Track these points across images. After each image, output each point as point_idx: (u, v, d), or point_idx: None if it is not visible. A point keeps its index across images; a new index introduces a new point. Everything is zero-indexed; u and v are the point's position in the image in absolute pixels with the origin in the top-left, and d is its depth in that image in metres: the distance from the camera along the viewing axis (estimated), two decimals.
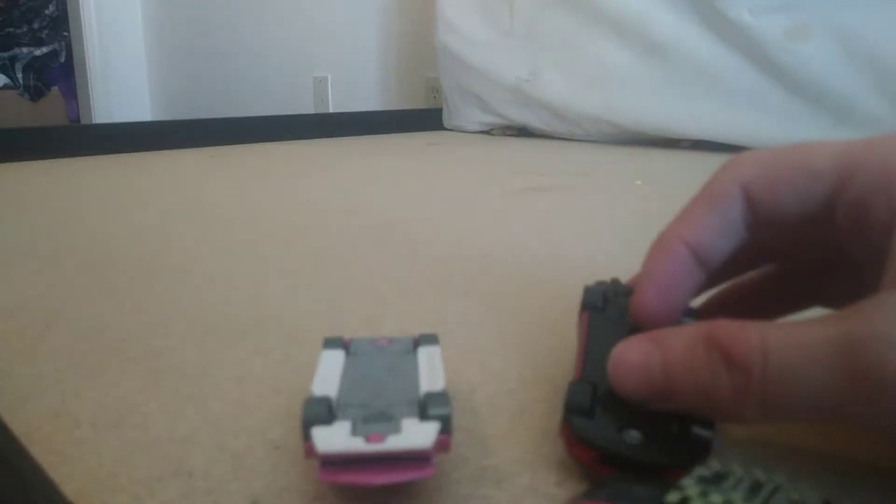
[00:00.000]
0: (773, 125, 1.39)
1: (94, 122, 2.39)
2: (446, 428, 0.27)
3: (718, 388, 0.23)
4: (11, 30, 3.32)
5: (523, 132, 2.00)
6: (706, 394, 0.24)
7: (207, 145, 1.72)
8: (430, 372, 0.31)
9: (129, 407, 0.35)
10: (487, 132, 2.09)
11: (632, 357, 0.26)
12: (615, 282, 0.38)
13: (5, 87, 3.50)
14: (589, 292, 0.36)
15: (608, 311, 0.35)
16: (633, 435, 0.26)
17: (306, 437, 0.26)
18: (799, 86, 1.38)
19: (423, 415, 0.27)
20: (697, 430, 0.26)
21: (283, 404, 0.35)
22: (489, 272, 0.58)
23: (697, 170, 1.22)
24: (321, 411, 0.27)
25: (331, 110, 2.59)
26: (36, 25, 3.35)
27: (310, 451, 0.26)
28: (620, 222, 0.79)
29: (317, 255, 0.65)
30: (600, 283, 0.38)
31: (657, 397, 0.26)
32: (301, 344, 0.43)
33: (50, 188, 1.11)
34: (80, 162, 1.46)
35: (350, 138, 1.96)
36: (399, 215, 0.83)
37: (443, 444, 0.26)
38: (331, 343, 0.34)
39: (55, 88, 3.62)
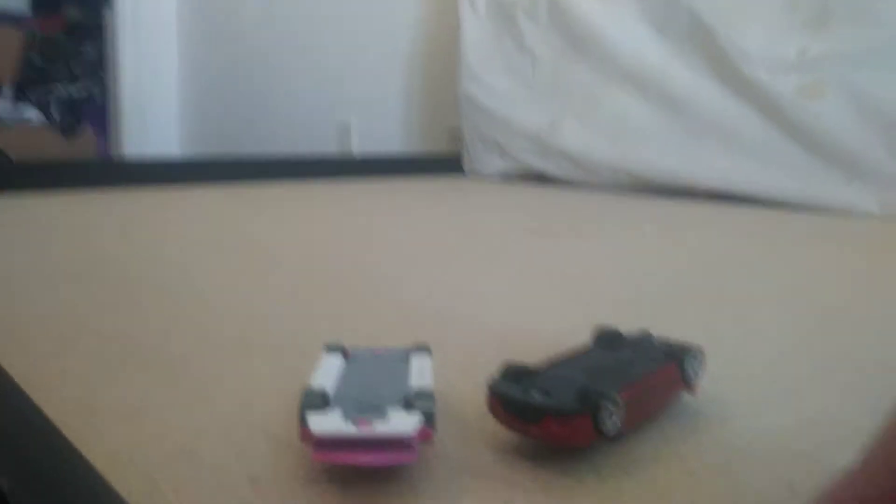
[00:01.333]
0: (787, 179, 1.42)
1: (123, 156, 2.47)
2: (429, 420, 0.29)
3: None
4: (48, 67, 3.46)
5: (542, 179, 2.04)
6: None
7: (233, 181, 1.78)
8: (420, 375, 0.34)
9: (145, 403, 0.38)
10: (507, 179, 2.13)
11: None
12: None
13: (40, 123, 3.63)
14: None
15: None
16: (536, 394, 0.31)
17: (302, 422, 0.29)
18: (812, 142, 1.41)
19: (409, 408, 0.30)
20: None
21: (285, 405, 0.38)
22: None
23: (706, 220, 1.24)
24: (317, 400, 0.30)
25: (354, 152, 2.65)
26: (73, 64, 3.48)
27: (305, 434, 0.29)
28: (622, 265, 0.82)
29: (327, 284, 0.68)
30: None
31: None
32: (307, 359, 0.46)
33: (80, 218, 1.16)
34: (109, 195, 1.52)
35: (372, 181, 2.01)
36: (401, 257, 0.87)
37: (425, 434, 0.29)
38: (331, 348, 0.37)
39: (87, 125, 3.74)
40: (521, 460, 0.32)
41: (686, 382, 0.36)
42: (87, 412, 0.36)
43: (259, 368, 0.44)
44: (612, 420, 0.30)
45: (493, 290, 0.66)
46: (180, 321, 0.54)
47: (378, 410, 0.29)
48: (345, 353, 0.37)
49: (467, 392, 0.39)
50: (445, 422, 0.35)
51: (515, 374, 0.33)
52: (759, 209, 1.34)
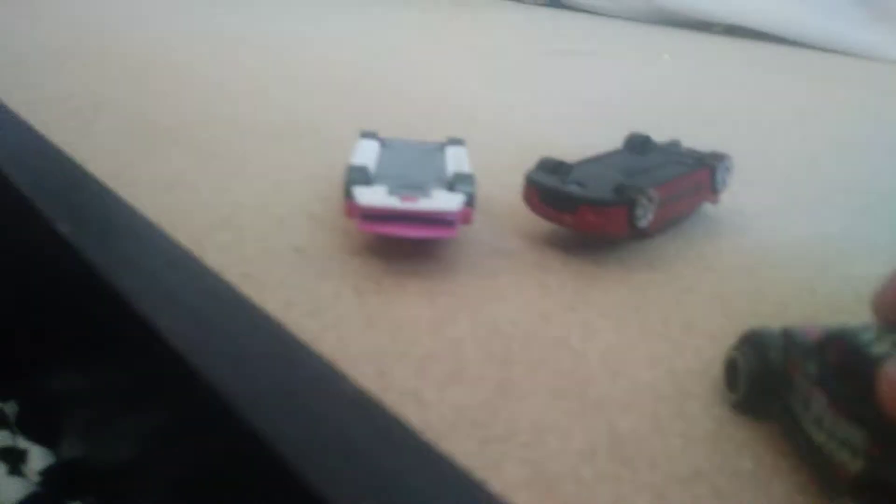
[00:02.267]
0: (809, 15, 1.37)
1: None
2: (470, 201, 0.30)
3: None
4: None
5: (555, 3, 1.96)
6: None
7: None
8: (457, 162, 0.34)
9: (181, 177, 0.39)
10: (520, 0, 2.04)
11: None
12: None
13: None
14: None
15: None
16: (573, 185, 0.32)
17: (348, 195, 0.30)
18: None
19: (451, 188, 0.30)
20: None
21: (320, 188, 0.38)
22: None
23: (726, 54, 1.21)
24: (362, 175, 0.30)
25: None
26: None
27: (351, 208, 0.30)
28: (637, 89, 0.81)
29: (352, 83, 0.67)
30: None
31: None
32: (333, 147, 0.46)
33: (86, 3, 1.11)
34: None
35: None
36: (419, 64, 0.85)
37: (466, 215, 0.30)
38: (367, 134, 0.37)
39: None
40: (552, 249, 0.33)
41: (715, 190, 0.37)
42: (125, 183, 0.37)
43: (289, 153, 0.44)
44: (645, 214, 0.31)
45: (513, 100, 0.65)
46: (203, 107, 0.53)
47: (422, 189, 0.30)
48: (381, 141, 0.37)
49: (492, 190, 0.39)
50: (480, 216, 0.36)
51: (552, 167, 0.33)
52: (779, 46, 1.31)
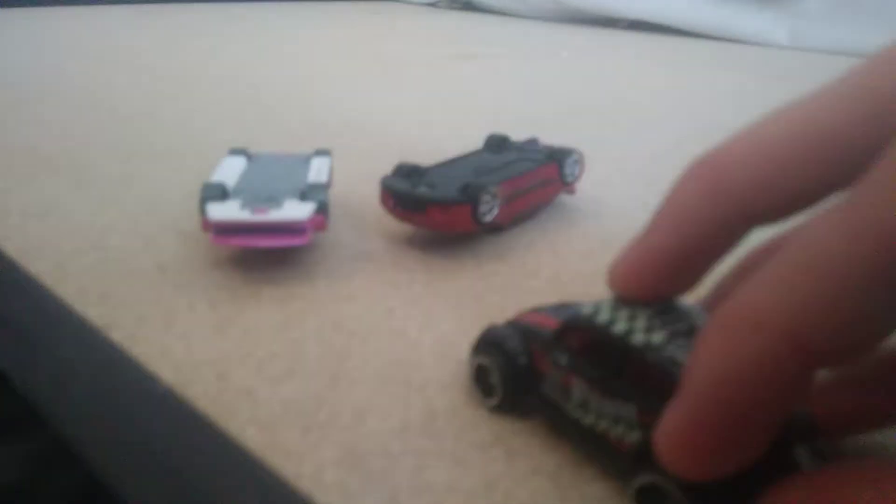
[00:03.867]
0: (703, 8, 1.43)
1: None
2: (322, 209, 0.32)
3: None
4: None
5: (468, 6, 1.99)
6: None
7: (145, 2, 1.68)
8: (317, 173, 0.36)
9: (55, 204, 0.40)
10: (433, 4, 2.07)
11: None
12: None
13: None
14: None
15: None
16: (423, 188, 0.34)
17: (202, 211, 0.31)
18: None
19: (304, 198, 0.32)
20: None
21: (193, 206, 0.39)
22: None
23: (624, 49, 1.26)
24: (215, 192, 0.32)
25: None
26: None
27: (205, 223, 0.31)
28: (534, 86, 0.84)
29: (238, 98, 0.68)
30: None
31: None
32: (215, 165, 0.47)
33: None
34: (8, 13, 1.41)
35: (294, 3, 1.92)
36: (318, 74, 0.86)
37: (317, 222, 0.32)
38: (234, 151, 0.39)
39: None
40: (410, 248, 0.35)
41: (564, 182, 0.39)
42: None
43: (169, 173, 0.45)
44: (489, 209, 0.34)
45: (406, 106, 0.68)
46: (89, 133, 0.54)
47: (274, 200, 0.32)
48: (248, 156, 0.39)
49: (368, 195, 0.41)
50: (346, 220, 0.38)
51: (406, 172, 0.35)
52: (676, 38, 1.36)
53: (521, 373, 0.22)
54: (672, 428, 0.15)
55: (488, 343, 0.23)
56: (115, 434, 0.21)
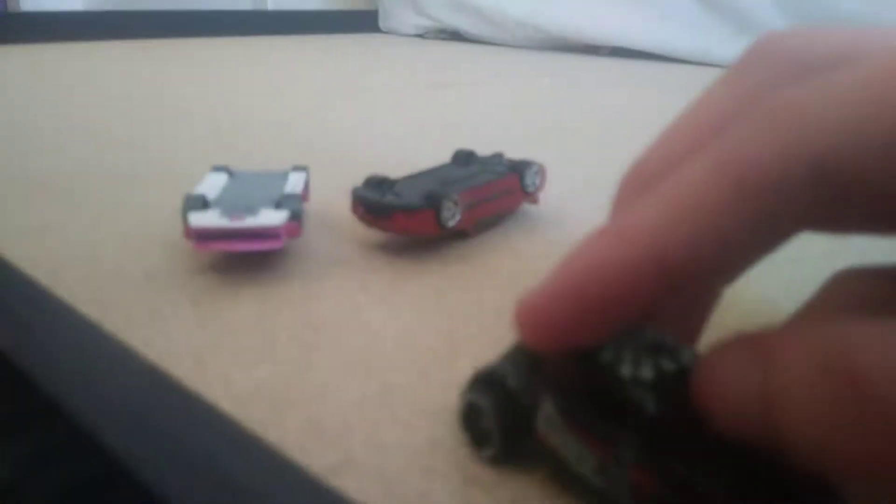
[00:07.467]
0: (682, 34, 1.47)
1: (21, 10, 2.32)
2: (295, 217, 0.35)
3: None
4: None
5: (455, 36, 2.05)
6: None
7: (139, 37, 1.72)
8: (293, 185, 0.39)
9: (51, 223, 0.42)
10: (421, 35, 2.12)
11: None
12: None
13: None
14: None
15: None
16: (390, 197, 0.36)
17: (185, 220, 0.34)
18: None
19: (279, 207, 0.35)
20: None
21: (179, 220, 0.42)
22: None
23: (604, 74, 1.30)
24: (197, 202, 0.35)
25: (269, 8, 2.56)
26: None
27: (187, 231, 0.34)
28: (509, 109, 0.87)
29: (224, 129, 0.71)
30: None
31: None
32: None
33: None
34: (6, 50, 1.46)
35: (286, 37, 1.97)
36: (302, 103, 0.90)
37: (291, 229, 0.35)
38: (217, 168, 0.42)
39: None
40: (379, 254, 0.38)
41: (525, 192, 0.42)
42: None
43: (160, 194, 0.48)
44: (452, 215, 0.36)
45: (382, 129, 0.71)
46: (82, 160, 0.57)
47: (251, 209, 0.34)
48: (230, 173, 0.42)
49: (343, 208, 0.44)
50: (322, 229, 0.41)
51: (376, 183, 0.38)
52: (655, 62, 1.40)
53: (521, 416, 0.19)
54: (534, 299, 0.18)
55: (486, 382, 0.20)
56: (102, 398, 0.23)
